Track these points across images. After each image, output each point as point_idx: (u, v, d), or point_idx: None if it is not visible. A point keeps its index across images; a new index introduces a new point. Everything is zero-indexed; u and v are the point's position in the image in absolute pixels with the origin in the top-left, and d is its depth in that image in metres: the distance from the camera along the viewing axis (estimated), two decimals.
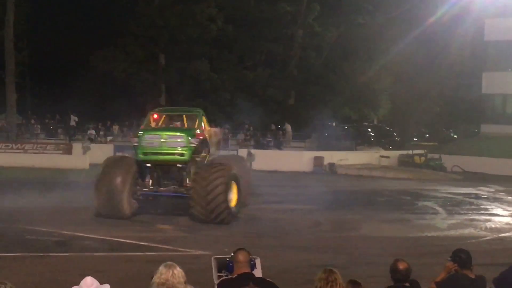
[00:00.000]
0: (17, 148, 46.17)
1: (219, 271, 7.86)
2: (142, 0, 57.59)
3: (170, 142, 22.88)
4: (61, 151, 45.36)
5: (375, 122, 63.98)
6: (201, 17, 56.29)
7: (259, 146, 48.87)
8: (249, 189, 26.06)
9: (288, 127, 52.78)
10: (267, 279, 7.46)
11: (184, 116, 24.94)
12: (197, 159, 23.48)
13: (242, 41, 58.23)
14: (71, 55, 61.75)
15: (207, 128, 24.76)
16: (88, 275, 6.81)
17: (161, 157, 22.99)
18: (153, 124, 24.52)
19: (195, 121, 24.30)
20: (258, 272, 7.64)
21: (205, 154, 24.06)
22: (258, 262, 7.78)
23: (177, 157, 22.91)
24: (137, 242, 18.89)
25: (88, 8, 60.28)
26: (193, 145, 22.90)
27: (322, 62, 59.64)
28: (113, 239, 19.37)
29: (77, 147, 45.53)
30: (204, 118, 24.56)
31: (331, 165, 44.84)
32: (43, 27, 61.79)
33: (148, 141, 23.04)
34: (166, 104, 57.19)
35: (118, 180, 22.70)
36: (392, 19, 56.28)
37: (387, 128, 61.99)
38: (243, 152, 46.38)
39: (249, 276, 7.39)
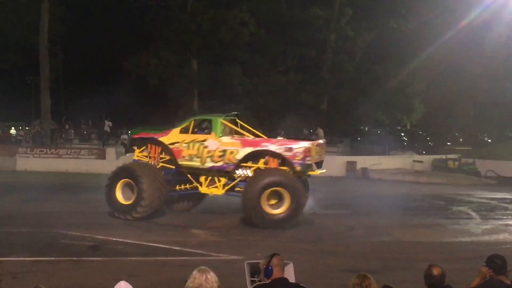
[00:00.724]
0: (52, 153, 46.57)
1: (252, 276, 7.83)
2: (174, 6, 57.79)
3: None
4: (94, 156, 45.68)
5: (408, 127, 63.62)
6: (234, 21, 56.34)
7: None
8: None
9: (321, 132, 52.54)
10: (301, 285, 7.43)
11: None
12: None
13: (274, 45, 58.19)
14: (105, 61, 62.20)
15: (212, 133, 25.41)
16: (121, 280, 6.84)
17: None
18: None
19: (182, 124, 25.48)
20: (291, 277, 7.61)
21: None
22: (291, 267, 7.76)
23: None
24: (170, 247, 18.93)
25: (122, 14, 60.64)
26: None
27: (355, 66, 59.41)
28: (146, 243, 19.42)
29: (110, 152, 45.79)
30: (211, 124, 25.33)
31: (364, 169, 44.69)
32: (77, 33, 62.28)
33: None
34: (198, 109, 57.42)
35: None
36: (425, 22, 55.95)
37: (420, 132, 61.62)
38: None
39: (284, 281, 7.36)
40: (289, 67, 59.36)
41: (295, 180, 23.44)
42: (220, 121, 24.50)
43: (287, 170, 23.67)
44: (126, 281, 6.80)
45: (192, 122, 25.01)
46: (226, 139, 24.28)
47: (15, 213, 24.94)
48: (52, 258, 17.03)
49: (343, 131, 56.40)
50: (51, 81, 57.54)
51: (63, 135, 55.73)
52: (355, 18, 57.64)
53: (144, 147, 25.52)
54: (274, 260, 7.45)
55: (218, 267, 8.02)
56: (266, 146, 24.00)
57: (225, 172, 24.47)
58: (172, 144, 24.69)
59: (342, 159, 46.78)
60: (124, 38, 60.92)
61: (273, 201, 23.31)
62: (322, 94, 59.02)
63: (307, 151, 23.84)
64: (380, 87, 57.00)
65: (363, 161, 45.56)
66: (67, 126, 57.48)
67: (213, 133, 24.32)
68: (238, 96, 56.50)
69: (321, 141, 27.08)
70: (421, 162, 48.20)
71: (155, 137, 25.01)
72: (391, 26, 57.09)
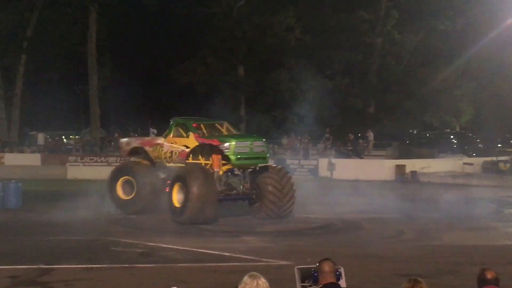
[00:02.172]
0: (101, 161, 47.09)
1: (302, 281, 7.81)
2: (220, 13, 58.03)
3: (256, 148, 25.64)
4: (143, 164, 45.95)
5: (458, 129, 62.97)
6: (279, 27, 56.37)
7: (340, 155, 48.62)
8: None
9: (371, 135, 52.35)
10: None
11: (216, 125, 27.36)
12: None
13: (320, 50, 58.06)
14: (152, 69, 62.68)
15: None
16: (173, 286, 6.89)
17: (252, 161, 25.77)
18: (202, 132, 26.48)
19: (232, 128, 27.33)
20: (342, 282, 7.58)
21: None
22: (341, 271, 7.72)
23: (261, 160, 25.82)
24: (220, 253, 18.99)
25: (167, 22, 61.02)
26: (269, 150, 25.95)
27: (402, 69, 59.01)
28: (196, 249, 19.51)
29: None
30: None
31: (413, 173, 44.33)
32: (125, 43, 62.89)
33: (240, 147, 25.20)
34: (245, 115, 57.58)
35: (205, 189, 24.21)
36: (471, 23, 55.34)
37: (470, 134, 60.92)
38: (323, 162, 46.34)
39: (335, 286, 7.33)
40: (336, 71, 59.19)
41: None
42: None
43: None
44: (177, 287, 6.83)
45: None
46: None
47: (66, 221, 25.22)
48: (104, 266, 17.20)
49: (391, 134, 56.00)
50: (99, 90, 58.20)
51: (112, 143, 56.25)
52: (402, 20, 57.23)
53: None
54: (324, 266, 7.42)
55: (268, 272, 8.02)
56: None
57: None
58: None
59: (391, 163, 46.49)
60: (170, 46, 61.31)
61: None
62: (369, 97, 58.73)
63: None
64: (428, 90, 56.51)
65: (412, 165, 45.19)
66: (116, 134, 58.00)
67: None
68: (285, 101, 56.48)
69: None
70: (471, 164, 47.63)
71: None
72: (438, 28, 56.58)
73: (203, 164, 25.73)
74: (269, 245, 20.88)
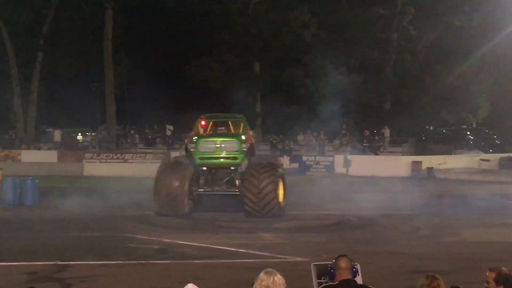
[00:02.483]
0: (117, 158, 47.29)
1: (318, 277, 7.80)
2: (235, 9, 58.02)
3: (225, 148, 25.37)
4: (160, 160, 46.05)
5: (474, 125, 62.71)
6: (295, 24, 56.30)
7: (356, 151, 48.55)
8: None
9: (387, 132, 52.21)
10: (369, 286, 7.36)
11: (229, 122, 27.01)
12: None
13: (336, 46, 57.94)
14: (168, 66, 62.77)
15: (249, 132, 27.20)
16: (189, 282, 6.88)
17: (216, 161, 25.58)
18: (201, 130, 26.57)
19: (240, 126, 26.60)
20: (358, 279, 7.55)
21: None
22: (358, 268, 7.70)
23: (230, 161, 25.47)
24: (236, 249, 18.98)
25: (183, 19, 61.08)
26: (245, 149, 25.38)
27: (418, 65, 58.82)
28: (212, 246, 19.52)
29: (175, 156, 46.11)
30: (246, 123, 27.24)
31: (430, 169, 44.20)
32: (140, 40, 63.02)
33: (204, 147, 25.56)
34: (261, 112, 57.54)
35: (177, 183, 24.93)
36: (489, 19, 55.05)
37: (487, 130, 60.64)
38: (339, 158, 46.27)
39: (351, 283, 7.30)
40: (352, 67, 59.02)
41: None
42: None
43: None
44: (193, 283, 6.83)
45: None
46: None
47: (82, 217, 25.35)
48: (120, 262, 17.24)
49: (407, 131, 55.85)
50: (115, 87, 58.36)
51: (128, 140, 56.40)
52: (418, 16, 57.01)
53: None
54: (340, 262, 7.40)
55: (284, 269, 7.97)
56: None
57: None
58: None
59: (407, 159, 46.41)
60: (186, 43, 61.40)
61: None
62: (385, 94, 58.58)
63: None
64: (444, 86, 56.31)
65: (428, 161, 45.07)
66: (132, 131, 58.16)
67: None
68: (300, 97, 56.44)
69: None
70: (488, 160, 47.45)
71: None
72: (454, 24, 56.32)
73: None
74: (285, 241, 20.86)
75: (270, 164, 25.95)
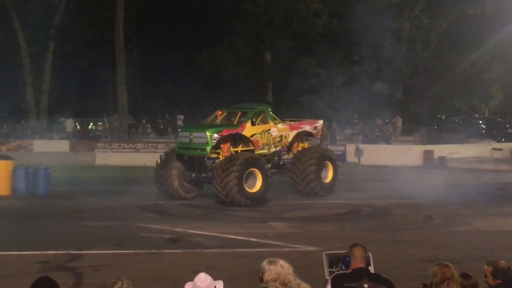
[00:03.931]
0: (129, 148, 47.32)
1: (330, 266, 7.81)
2: None
3: (196, 139, 26.53)
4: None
5: (486, 114, 62.44)
6: (306, 13, 56.15)
7: (367, 140, 48.46)
8: None
9: (399, 121, 52.07)
10: (382, 275, 7.36)
11: (239, 113, 28.37)
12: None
13: (347, 35, 57.72)
14: (179, 55, 62.75)
15: (270, 122, 27.98)
16: (201, 271, 6.90)
17: (188, 151, 27.03)
18: (218, 121, 28.07)
19: (246, 117, 27.48)
20: (371, 268, 7.55)
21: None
22: (370, 257, 7.70)
23: (199, 151, 26.61)
24: (248, 239, 19.02)
25: (195, 8, 61.03)
26: (214, 141, 26.05)
27: (430, 54, 58.58)
28: (224, 235, 19.55)
29: None
30: (265, 114, 28.12)
31: (442, 158, 44.08)
32: (152, 29, 63.02)
33: (181, 138, 27.38)
34: (272, 101, 57.42)
35: (172, 171, 27.31)
36: (502, 7, 54.71)
37: (499, 119, 60.42)
38: (351, 147, 46.20)
39: (364, 271, 7.31)
40: (363, 56, 58.86)
41: None
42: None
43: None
44: (205, 273, 6.85)
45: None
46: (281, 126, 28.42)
47: (95, 207, 25.45)
48: (132, 251, 17.30)
49: (419, 120, 55.68)
50: (127, 76, 58.36)
51: (140, 130, 56.46)
52: (430, 5, 56.76)
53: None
54: (354, 251, 7.40)
55: (296, 258, 7.97)
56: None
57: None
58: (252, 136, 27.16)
59: (419, 148, 46.30)
60: (197, 32, 61.36)
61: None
62: (397, 83, 58.38)
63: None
64: (457, 75, 56.09)
65: (440, 150, 44.95)
66: (144, 121, 58.20)
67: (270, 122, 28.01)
68: (312, 87, 56.32)
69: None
70: (500, 150, 47.30)
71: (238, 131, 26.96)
72: (467, 12, 56.02)
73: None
74: (297, 231, 20.89)
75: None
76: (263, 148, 27.51)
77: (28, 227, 20.96)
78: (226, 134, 26.42)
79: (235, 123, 27.66)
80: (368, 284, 7.14)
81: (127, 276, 6.86)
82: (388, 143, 49.06)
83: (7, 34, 56.22)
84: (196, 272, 6.90)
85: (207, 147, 26.12)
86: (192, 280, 6.78)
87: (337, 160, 45.17)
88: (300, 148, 29.24)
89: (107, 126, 56.72)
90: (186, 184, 27.61)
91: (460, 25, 56.62)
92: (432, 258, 14.22)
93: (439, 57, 58.08)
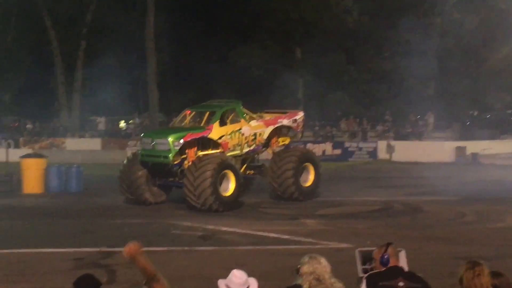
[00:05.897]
0: None
1: (363, 264, 7.78)
2: None
3: (158, 146, 24.82)
4: None
5: None
6: (337, 9, 56.00)
7: (399, 137, 48.22)
8: None
9: (431, 117, 51.76)
10: (417, 274, 7.31)
11: (207, 113, 26.36)
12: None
13: (378, 31, 57.47)
14: (210, 53, 62.82)
15: (241, 121, 26.19)
16: (233, 269, 6.90)
17: (150, 159, 24.97)
18: (186, 121, 26.53)
19: (214, 117, 25.67)
20: (404, 265, 7.51)
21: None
22: (403, 254, 7.65)
23: (162, 159, 24.63)
24: (279, 236, 19.02)
25: (225, 5, 61.07)
26: (177, 147, 24.21)
27: (462, 50, 58.12)
28: (255, 233, 19.58)
29: None
30: (236, 112, 26.41)
31: (474, 155, 43.74)
32: (182, 27, 63.13)
33: (144, 144, 25.96)
34: (303, 98, 57.37)
35: (140, 172, 25.03)
36: None
37: None
38: (382, 144, 46.02)
39: (399, 270, 7.26)
40: (394, 52, 58.58)
41: None
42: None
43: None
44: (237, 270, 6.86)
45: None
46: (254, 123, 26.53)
47: (127, 204, 25.57)
48: (164, 248, 17.37)
49: (451, 116, 55.29)
50: (158, 74, 58.56)
51: None
52: (462, 0, 56.34)
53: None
54: (388, 249, 7.35)
55: (327, 255, 7.90)
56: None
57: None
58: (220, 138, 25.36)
59: (451, 145, 45.98)
60: (228, 29, 61.39)
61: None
62: (429, 79, 58.01)
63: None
64: (488, 70, 55.62)
65: (473, 146, 44.60)
66: (174, 119, 58.32)
67: (242, 120, 26.14)
68: (343, 83, 56.16)
69: None
70: None
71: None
72: (499, 7, 55.53)
73: None
74: (329, 228, 20.85)
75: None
76: (234, 150, 25.74)
77: (61, 225, 21.17)
78: (189, 139, 24.61)
79: (202, 124, 25.80)
80: (403, 283, 7.10)
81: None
82: (420, 140, 48.78)
83: (39, 33, 56.71)
84: (228, 270, 6.91)
85: (170, 155, 24.29)
86: (224, 277, 6.79)
87: (368, 157, 45.35)
88: (280, 143, 27.46)
89: (138, 123, 56.96)
90: (154, 188, 25.53)
91: (492, 20, 56.15)
92: (465, 255, 14.16)
93: (471, 52, 57.63)
